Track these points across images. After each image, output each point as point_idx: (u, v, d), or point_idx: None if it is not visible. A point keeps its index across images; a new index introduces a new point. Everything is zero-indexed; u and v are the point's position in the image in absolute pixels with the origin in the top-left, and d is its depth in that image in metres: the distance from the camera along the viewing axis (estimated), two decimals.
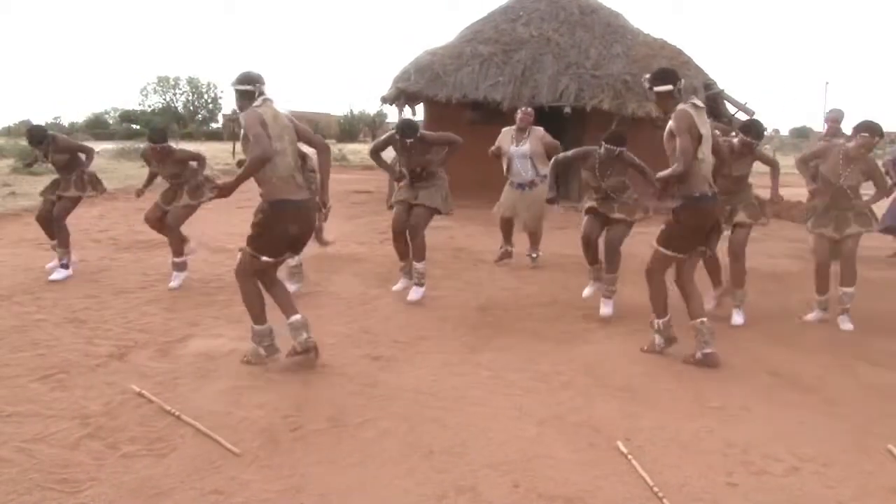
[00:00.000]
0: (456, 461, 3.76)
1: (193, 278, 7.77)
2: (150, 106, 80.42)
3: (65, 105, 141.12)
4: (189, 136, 55.60)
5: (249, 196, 6.38)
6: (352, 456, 3.80)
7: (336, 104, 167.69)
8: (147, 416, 4.25)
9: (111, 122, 76.36)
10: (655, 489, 3.47)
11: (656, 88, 5.17)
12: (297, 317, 5.05)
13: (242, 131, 4.69)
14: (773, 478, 3.68)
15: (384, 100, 16.15)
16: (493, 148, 8.75)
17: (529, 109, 8.70)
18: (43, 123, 8.09)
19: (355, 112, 70.04)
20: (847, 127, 7.83)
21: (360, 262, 9.05)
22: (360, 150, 38.94)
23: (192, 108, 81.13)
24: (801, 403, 4.71)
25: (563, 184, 9.91)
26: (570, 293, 7.55)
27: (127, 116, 75.08)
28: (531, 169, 8.57)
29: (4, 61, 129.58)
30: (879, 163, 7.78)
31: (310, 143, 5.31)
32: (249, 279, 5.04)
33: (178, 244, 7.55)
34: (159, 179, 7.86)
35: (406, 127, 6.94)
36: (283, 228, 4.90)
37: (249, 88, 4.95)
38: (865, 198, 6.54)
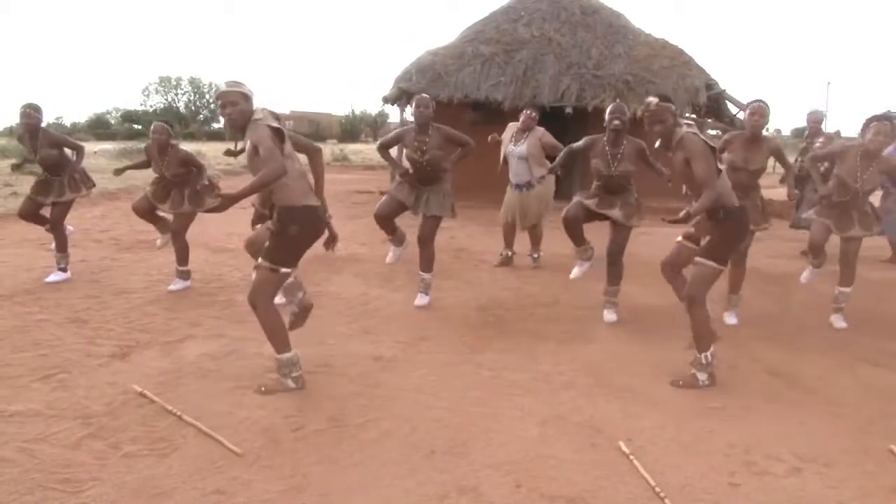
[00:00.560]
0: (457, 461, 3.76)
1: (195, 278, 7.77)
2: (151, 106, 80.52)
3: (66, 105, 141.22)
4: (191, 136, 55.59)
5: (251, 197, 6.37)
6: (353, 456, 3.80)
7: (337, 104, 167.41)
8: (149, 416, 4.25)
9: (113, 122, 76.43)
10: (657, 489, 3.47)
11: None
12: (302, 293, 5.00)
13: (248, 143, 4.49)
14: (775, 478, 3.68)
15: (386, 100, 16.18)
16: (493, 135, 8.79)
17: (534, 114, 8.62)
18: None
19: (357, 112, 70.09)
20: (843, 128, 7.87)
21: (361, 262, 9.05)
22: (361, 150, 38.92)
23: (193, 108, 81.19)
24: (802, 404, 4.71)
25: (564, 178, 9.87)
26: (571, 293, 7.55)
27: (129, 117, 75.14)
28: (527, 170, 8.56)
29: (5, 61, 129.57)
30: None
31: (298, 147, 5.09)
32: (269, 302, 4.61)
33: (184, 253, 7.49)
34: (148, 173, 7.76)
35: (422, 97, 6.78)
36: (305, 235, 4.64)
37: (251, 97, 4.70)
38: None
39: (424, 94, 6.96)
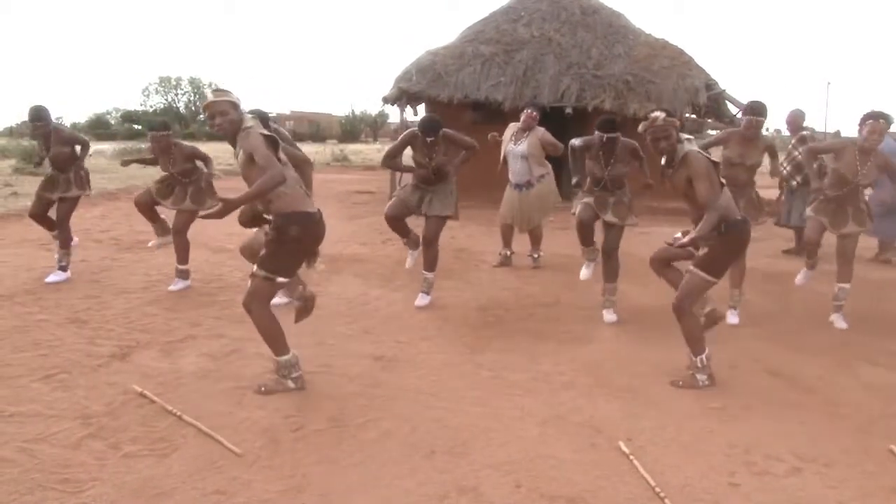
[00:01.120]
0: (458, 461, 3.76)
1: (195, 278, 7.77)
2: (151, 106, 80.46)
3: (66, 105, 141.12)
4: (191, 137, 55.54)
5: None
6: (353, 456, 3.80)
7: (338, 104, 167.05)
8: (149, 416, 4.25)
9: (113, 122, 76.34)
10: (657, 489, 3.47)
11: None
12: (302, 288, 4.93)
13: (242, 152, 4.39)
14: (775, 478, 3.68)
15: (386, 100, 16.11)
16: (493, 134, 8.79)
17: (535, 113, 8.54)
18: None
19: (357, 112, 69.97)
20: (843, 128, 8.06)
21: (361, 262, 9.05)
22: (361, 150, 38.85)
23: (193, 108, 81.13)
24: (801, 404, 4.71)
25: (565, 176, 9.83)
26: (571, 293, 7.55)
27: (129, 117, 75.03)
28: (527, 169, 8.51)
29: (5, 61, 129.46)
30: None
31: (288, 158, 4.90)
32: (265, 307, 4.57)
33: (184, 251, 7.53)
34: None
35: (430, 123, 6.72)
36: (303, 243, 4.57)
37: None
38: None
39: (432, 115, 7.25)
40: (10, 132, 53.42)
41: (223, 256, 9.04)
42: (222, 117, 4.38)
